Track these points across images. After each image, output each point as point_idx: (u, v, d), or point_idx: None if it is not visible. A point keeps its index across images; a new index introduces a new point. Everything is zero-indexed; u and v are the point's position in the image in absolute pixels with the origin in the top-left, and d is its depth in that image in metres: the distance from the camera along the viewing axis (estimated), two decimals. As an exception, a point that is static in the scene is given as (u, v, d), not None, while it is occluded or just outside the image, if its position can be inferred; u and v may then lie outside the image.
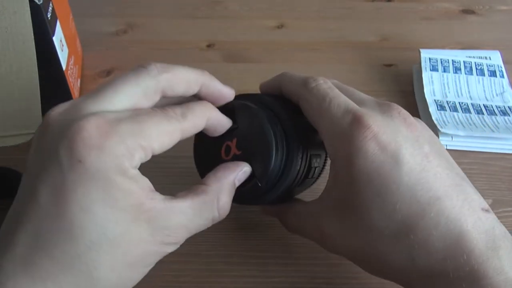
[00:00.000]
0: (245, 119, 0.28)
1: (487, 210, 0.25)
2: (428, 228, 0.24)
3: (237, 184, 0.28)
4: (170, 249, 0.25)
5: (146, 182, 0.24)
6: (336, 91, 0.28)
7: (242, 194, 0.28)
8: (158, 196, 0.24)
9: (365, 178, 0.25)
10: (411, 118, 0.27)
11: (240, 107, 0.29)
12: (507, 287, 0.23)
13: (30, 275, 0.21)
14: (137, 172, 0.24)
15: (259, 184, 0.28)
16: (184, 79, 0.27)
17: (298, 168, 0.29)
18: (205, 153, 0.31)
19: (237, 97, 0.30)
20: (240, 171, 0.28)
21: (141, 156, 0.23)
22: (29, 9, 0.36)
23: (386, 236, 0.25)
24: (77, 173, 0.22)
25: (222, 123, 0.28)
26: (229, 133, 0.29)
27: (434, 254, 0.24)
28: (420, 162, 0.25)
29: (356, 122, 0.26)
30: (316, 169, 0.30)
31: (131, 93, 0.24)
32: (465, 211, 0.24)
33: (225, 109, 0.28)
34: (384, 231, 0.25)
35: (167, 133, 0.24)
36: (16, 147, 0.41)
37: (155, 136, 0.24)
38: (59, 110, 0.24)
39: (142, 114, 0.24)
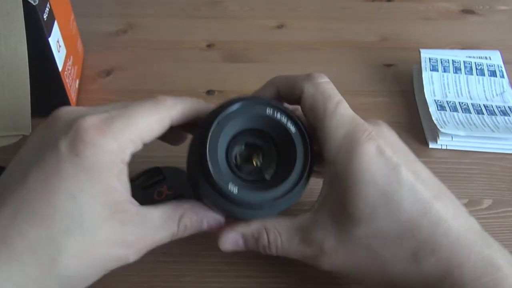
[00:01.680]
0: (171, 170, 0.36)
1: (469, 213, 0.27)
2: (431, 225, 0.25)
3: (205, 224, 0.29)
4: (133, 257, 0.26)
5: (127, 183, 0.26)
6: (339, 94, 0.29)
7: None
8: (135, 202, 0.26)
9: (369, 179, 0.26)
10: (395, 133, 0.30)
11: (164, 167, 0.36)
12: (505, 283, 0.24)
13: None
14: (126, 169, 0.26)
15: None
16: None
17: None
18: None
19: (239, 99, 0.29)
20: (208, 215, 0.29)
21: (131, 150, 0.26)
22: (22, 10, 0.35)
23: (390, 239, 0.26)
24: (73, 165, 0.24)
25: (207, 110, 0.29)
26: (158, 183, 0.34)
27: (439, 251, 0.25)
28: (411, 167, 0.27)
29: (359, 128, 0.27)
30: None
31: None
32: (456, 212, 0.26)
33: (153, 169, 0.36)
34: (388, 233, 0.26)
35: (156, 121, 0.27)
36: (3, 148, 0.41)
37: (144, 127, 0.26)
38: (67, 109, 0.27)
39: (132, 107, 0.26)
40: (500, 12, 0.61)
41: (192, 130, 0.30)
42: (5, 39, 0.36)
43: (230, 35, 0.56)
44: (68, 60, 0.44)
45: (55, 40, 0.40)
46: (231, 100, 0.28)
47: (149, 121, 0.26)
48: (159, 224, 0.27)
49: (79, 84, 0.48)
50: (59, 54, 0.41)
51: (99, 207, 0.24)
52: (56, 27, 0.41)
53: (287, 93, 0.29)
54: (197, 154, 0.27)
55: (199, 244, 0.35)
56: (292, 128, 0.28)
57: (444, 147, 0.43)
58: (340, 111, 0.27)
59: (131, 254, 0.26)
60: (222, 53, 0.53)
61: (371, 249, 0.26)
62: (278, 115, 0.28)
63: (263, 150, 0.29)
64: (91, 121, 0.25)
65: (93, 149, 0.24)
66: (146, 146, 0.29)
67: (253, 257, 0.34)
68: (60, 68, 0.41)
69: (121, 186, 0.26)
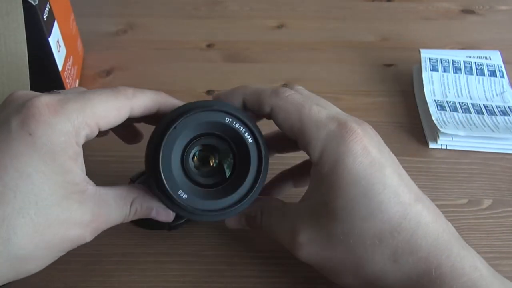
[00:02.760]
0: None
1: (445, 218, 0.27)
2: (411, 227, 0.26)
3: (154, 212, 0.29)
4: (89, 237, 0.27)
5: (83, 165, 0.26)
6: (312, 98, 0.29)
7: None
8: (91, 182, 0.27)
9: (353, 178, 0.26)
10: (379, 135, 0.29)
11: None
12: (482, 283, 0.24)
13: None
14: (81, 150, 0.26)
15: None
16: None
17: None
18: None
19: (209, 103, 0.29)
20: (159, 206, 0.29)
21: (86, 133, 0.26)
22: (22, 10, 0.35)
23: (368, 238, 0.26)
24: (25, 144, 0.24)
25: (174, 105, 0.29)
26: None
27: (418, 252, 0.25)
28: (396, 169, 0.27)
29: (343, 126, 0.27)
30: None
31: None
32: (435, 215, 0.27)
33: None
34: (367, 232, 0.26)
35: (114, 109, 0.27)
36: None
37: (101, 112, 0.26)
38: (22, 91, 0.27)
39: (90, 92, 0.27)
40: (500, 12, 0.61)
41: (155, 122, 0.30)
42: (5, 39, 0.36)
43: (230, 35, 0.56)
44: (68, 60, 0.44)
45: (55, 40, 0.40)
46: (192, 104, 0.28)
47: (106, 107, 0.26)
48: (114, 205, 0.27)
49: (79, 84, 0.48)
50: (59, 54, 0.41)
51: (55, 186, 0.24)
52: (56, 27, 0.41)
53: (253, 107, 0.29)
54: (152, 156, 0.27)
55: (199, 244, 0.35)
56: (249, 139, 0.28)
57: (444, 147, 0.43)
58: (316, 114, 0.27)
59: (88, 234, 0.26)
60: (222, 53, 0.53)
61: (348, 247, 0.26)
62: (237, 125, 0.28)
63: (220, 151, 0.29)
64: (44, 100, 0.25)
65: (46, 128, 0.24)
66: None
67: (253, 257, 0.34)
68: (60, 68, 0.41)
69: (78, 168, 0.26)
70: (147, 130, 0.32)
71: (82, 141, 0.26)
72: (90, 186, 0.26)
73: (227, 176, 0.29)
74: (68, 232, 0.25)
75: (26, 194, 0.23)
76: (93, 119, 0.26)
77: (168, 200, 0.28)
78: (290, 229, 0.29)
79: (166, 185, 0.27)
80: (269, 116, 0.29)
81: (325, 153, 0.27)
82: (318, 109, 0.28)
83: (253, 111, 0.29)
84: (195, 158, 0.29)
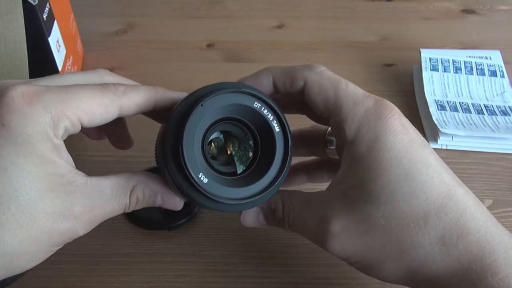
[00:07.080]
0: None
1: None
2: (458, 209, 0.24)
3: (159, 199, 0.27)
4: (82, 230, 0.25)
5: (69, 158, 0.25)
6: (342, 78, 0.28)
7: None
8: (81, 173, 0.25)
9: (394, 156, 0.24)
10: None
11: None
12: None
13: None
14: (61, 143, 0.24)
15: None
16: None
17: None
18: None
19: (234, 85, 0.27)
20: (163, 190, 0.27)
21: (66, 125, 0.24)
22: (22, 9, 0.35)
23: (412, 220, 0.24)
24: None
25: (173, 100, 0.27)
26: None
27: (468, 235, 0.24)
28: (433, 151, 0.26)
29: (381, 103, 0.26)
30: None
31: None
32: (477, 201, 0.25)
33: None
34: (410, 214, 0.24)
35: (99, 105, 0.25)
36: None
37: (84, 106, 0.24)
38: (2, 81, 0.25)
39: (75, 86, 0.25)
40: (500, 12, 0.61)
41: (158, 118, 0.29)
42: (4, 38, 0.36)
43: (230, 35, 0.56)
44: (68, 60, 0.44)
45: (55, 40, 0.40)
46: (221, 84, 0.26)
47: (90, 102, 0.24)
48: (110, 195, 0.25)
49: (79, 84, 0.48)
50: (59, 54, 0.41)
51: (36, 180, 0.23)
52: (55, 27, 0.41)
53: (284, 84, 0.28)
54: (173, 137, 0.25)
55: (199, 244, 0.35)
56: (276, 127, 0.26)
57: (444, 147, 0.43)
58: (353, 90, 0.26)
59: (80, 226, 0.25)
60: (222, 53, 0.53)
61: (389, 231, 0.24)
62: (265, 111, 0.26)
63: (240, 140, 0.27)
64: (20, 90, 0.23)
65: (20, 118, 0.23)
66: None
67: (253, 257, 0.34)
68: (60, 68, 0.41)
69: (61, 159, 0.24)
70: (139, 135, 0.32)
71: (61, 133, 0.24)
72: (79, 176, 0.25)
73: (242, 169, 0.27)
74: (57, 225, 0.24)
75: (5, 189, 0.22)
76: (74, 112, 0.24)
77: (187, 183, 0.25)
78: (319, 218, 0.26)
79: (188, 165, 0.24)
80: (299, 94, 0.28)
81: (362, 130, 0.25)
82: (354, 86, 0.27)
83: (284, 89, 0.28)
84: (213, 145, 0.27)
